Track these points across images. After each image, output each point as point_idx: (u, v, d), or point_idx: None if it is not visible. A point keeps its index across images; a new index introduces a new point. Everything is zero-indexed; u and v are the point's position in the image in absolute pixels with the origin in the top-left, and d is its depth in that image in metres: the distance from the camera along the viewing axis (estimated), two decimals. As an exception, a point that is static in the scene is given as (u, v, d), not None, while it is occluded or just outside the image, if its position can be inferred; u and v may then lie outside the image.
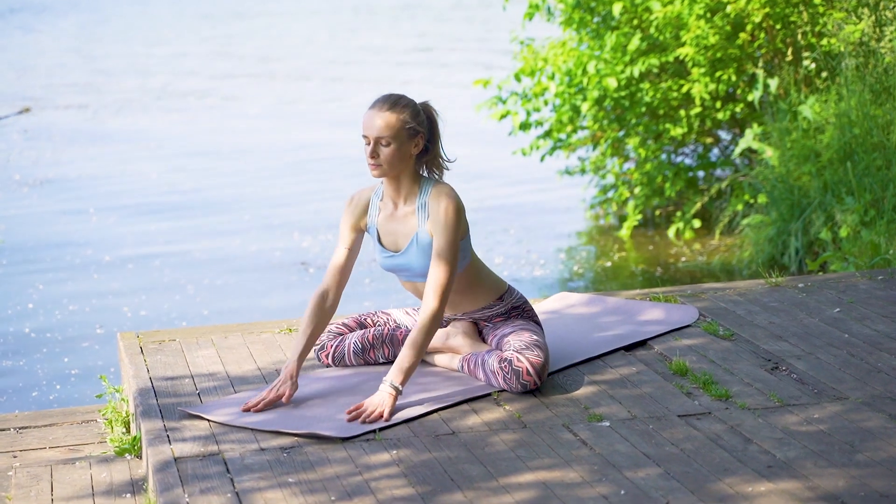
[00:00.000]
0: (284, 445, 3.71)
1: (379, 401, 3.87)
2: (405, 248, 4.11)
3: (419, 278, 4.16)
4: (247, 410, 3.94)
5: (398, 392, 3.90)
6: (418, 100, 4.14)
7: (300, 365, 4.07)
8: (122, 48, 25.57)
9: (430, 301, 3.97)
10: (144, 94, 18.70)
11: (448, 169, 4.19)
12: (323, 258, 9.42)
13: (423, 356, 4.01)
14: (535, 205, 11.26)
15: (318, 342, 4.38)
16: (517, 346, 4.07)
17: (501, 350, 4.14)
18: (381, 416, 3.84)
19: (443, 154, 4.17)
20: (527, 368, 4.01)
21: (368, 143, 4.02)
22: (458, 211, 4.05)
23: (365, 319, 4.45)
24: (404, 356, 3.93)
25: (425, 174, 4.15)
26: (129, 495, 3.87)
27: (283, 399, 3.98)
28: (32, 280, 8.95)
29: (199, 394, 4.19)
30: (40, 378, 7.00)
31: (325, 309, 4.15)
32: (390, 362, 4.37)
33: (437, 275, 3.99)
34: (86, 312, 8.17)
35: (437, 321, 3.98)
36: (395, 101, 4.04)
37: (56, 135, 15.25)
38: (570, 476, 3.46)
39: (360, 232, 4.20)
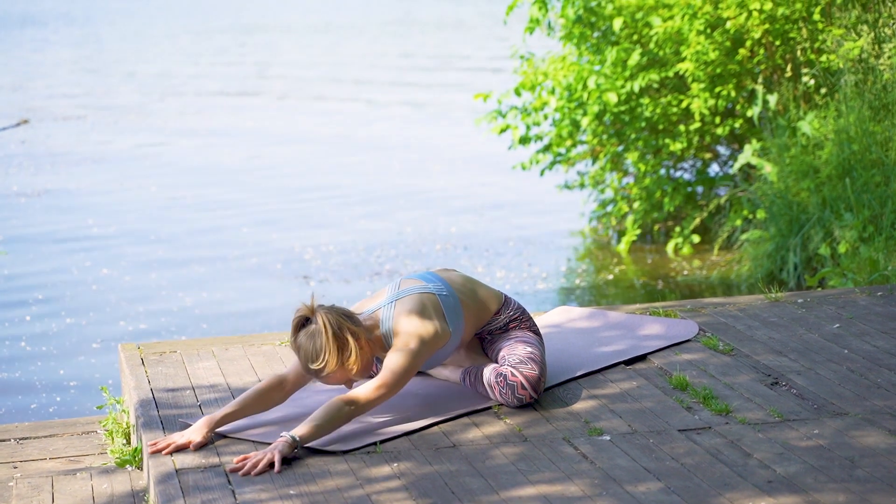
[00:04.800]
0: (285, 457, 3.71)
1: (271, 447, 3.69)
2: None
3: (436, 366, 4.24)
4: (155, 452, 3.79)
5: (296, 444, 3.71)
6: (306, 305, 3.94)
7: (222, 422, 3.88)
8: (121, 60, 25.60)
9: (356, 396, 3.83)
10: (143, 107, 18.72)
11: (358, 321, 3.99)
12: (325, 271, 9.43)
13: (329, 426, 3.78)
14: (535, 219, 11.28)
15: None
16: (512, 361, 4.08)
17: (498, 364, 4.15)
18: (271, 464, 3.63)
19: (354, 320, 3.97)
20: (521, 382, 4.02)
21: None
22: (409, 354, 3.90)
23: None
24: (307, 426, 3.74)
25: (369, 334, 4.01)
26: (129, 507, 3.88)
27: (191, 447, 3.79)
28: (31, 292, 8.95)
29: (200, 405, 4.20)
30: (39, 390, 7.00)
31: (277, 393, 4.00)
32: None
33: (376, 385, 3.86)
34: (83, 326, 8.17)
35: (349, 416, 3.81)
36: (317, 368, 3.89)
37: (54, 146, 15.27)
38: (570, 490, 3.46)
39: None
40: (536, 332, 4.28)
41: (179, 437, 3.84)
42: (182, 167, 13.98)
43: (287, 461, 3.68)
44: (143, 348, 4.83)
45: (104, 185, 12.90)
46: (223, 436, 3.89)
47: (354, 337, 3.92)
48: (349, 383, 3.99)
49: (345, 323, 3.92)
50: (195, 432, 3.85)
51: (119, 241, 10.47)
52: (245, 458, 3.67)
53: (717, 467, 3.58)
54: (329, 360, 3.88)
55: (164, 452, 3.79)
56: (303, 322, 3.94)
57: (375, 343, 4.03)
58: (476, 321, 4.19)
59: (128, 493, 3.97)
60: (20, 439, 4.56)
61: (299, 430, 3.74)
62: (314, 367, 3.89)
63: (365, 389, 3.86)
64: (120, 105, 18.89)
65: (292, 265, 9.64)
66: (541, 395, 4.10)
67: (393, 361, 3.92)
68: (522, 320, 4.28)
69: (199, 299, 8.75)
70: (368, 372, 4.03)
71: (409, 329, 3.97)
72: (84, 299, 8.78)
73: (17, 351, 7.67)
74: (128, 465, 4.16)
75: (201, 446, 3.82)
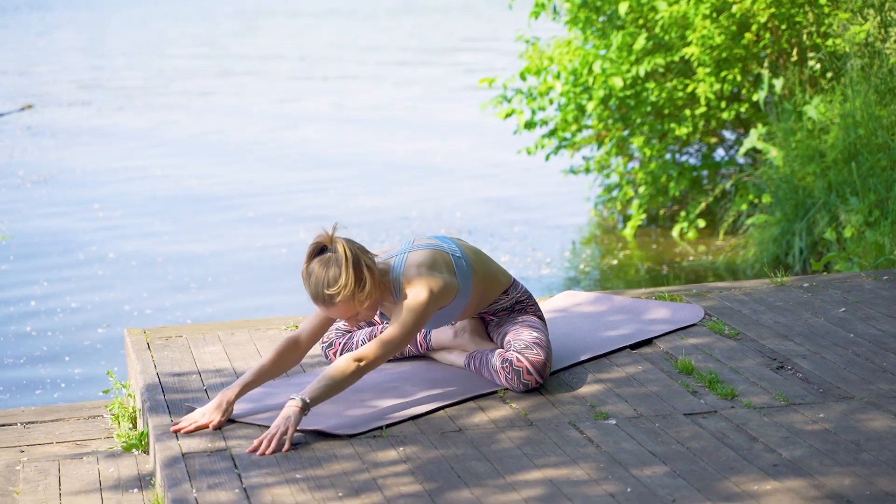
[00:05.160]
0: (292, 441, 3.71)
1: (283, 416, 3.70)
2: None
3: (433, 326, 4.23)
4: (176, 431, 3.81)
5: (306, 406, 3.70)
6: (326, 233, 3.93)
7: (240, 394, 3.89)
8: (125, 46, 25.58)
9: (364, 352, 3.83)
10: (148, 91, 18.71)
11: (381, 268, 3.99)
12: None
13: (339, 385, 3.79)
14: (540, 203, 11.27)
15: (326, 339, 4.39)
16: (517, 346, 4.08)
17: (504, 349, 4.15)
18: (284, 440, 3.66)
19: (371, 256, 3.97)
20: (527, 368, 4.02)
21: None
22: (419, 304, 3.89)
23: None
24: (316, 386, 3.75)
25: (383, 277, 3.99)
26: (136, 490, 3.88)
27: (211, 427, 3.82)
28: (36, 277, 8.96)
29: (206, 390, 4.21)
30: (44, 375, 7.01)
31: (292, 355, 4.01)
32: (397, 360, 4.39)
33: (384, 337, 3.86)
34: (87, 310, 8.18)
35: (358, 372, 3.82)
36: (327, 296, 3.84)
37: (59, 131, 15.27)
38: (576, 474, 3.47)
39: None
40: (541, 318, 4.28)
41: (200, 417, 3.85)
42: (188, 151, 13.98)
43: (294, 445, 3.69)
44: (149, 333, 4.84)
45: (109, 170, 12.91)
46: (231, 420, 3.89)
47: (370, 271, 3.90)
48: (353, 321, 3.96)
49: (363, 255, 3.91)
50: (215, 411, 3.85)
51: (125, 226, 10.48)
52: (260, 442, 3.67)
53: (722, 451, 3.59)
54: (345, 288, 3.83)
55: (183, 432, 3.81)
56: (319, 249, 3.91)
57: (385, 288, 4.00)
58: (484, 291, 4.18)
59: (134, 477, 3.97)
60: (26, 423, 4.57)
61: (309, 392, 3.73)
62: (328, 292, 3.83)
63: (374, 343, 3.85)
64: (125, 89, 18.88)
65: (297, 249, 9.64)
66: (546, 379, 4.10)
67: (402, 312, 3.90)
68: (528, 304, 4.28)
69: (204, 284, 8.76)
70: (374, 313, 3.99)
71: (418, 280, 3.94)
72: (89, 284, 8.79)
73: (23, 336, 7.68)
74: (134, 450, 4.17)
75: (221, 425, 3.84)
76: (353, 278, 3.85)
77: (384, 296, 4.01)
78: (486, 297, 4.20)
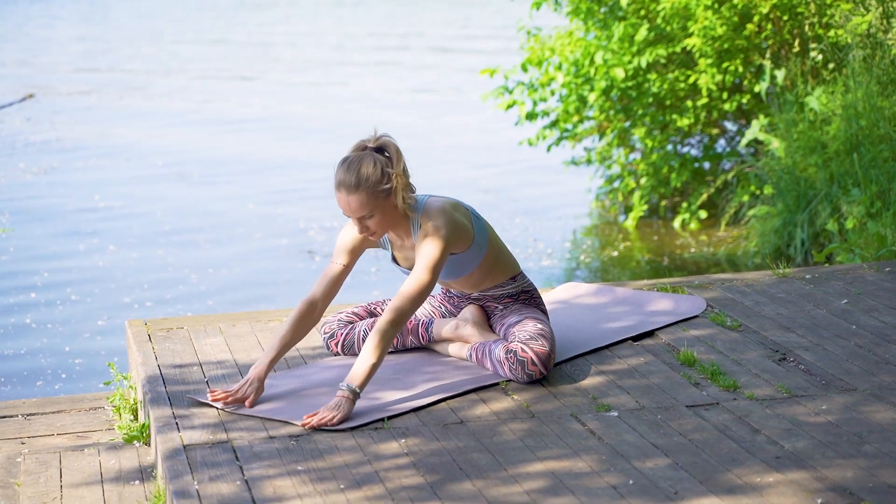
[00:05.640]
0: (293, 433, 3.71)
1: (334, 404, 3.78)
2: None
3: (445, 282, 4.25)
4: (216, 401, 3.89)
5: (356, 395, 3.79)
6: (375, 134, 4.00)
7: (269, 369, 3.97)
8: (125, 35, 25.56)
9: (394, 307, 3.90)
10: (149, 83, 18.69)
11: (413, 191, 4.05)
12: (329, 245, 9.42)
13: (381, 360, 3.86)
14: (541, 194, 11.26)
15: (328, 330, 4.39)
16: (522, 337, 4.08)
17: (508, 340, 4.14)
18: (332, 421, 3.73)
19: (408, 180, 4.03)
20: (531, 358, 4.02)
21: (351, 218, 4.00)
22: (439, 237, 3.95)
23: (374, 309, 4.45)
24: (361, 360, 3.83)
25: (408, 202, 4.02)
26: (137, 482, 3.88)
27: (247, 403, 3.89)
28: (36, 268, 8.95)
29: (207, 381, 4.20)
30: (44, 367, 7.00)
31: (310, 318, 4.07)
32: (398, 351, 4.38)
33: (409, 287, 3.91)
34: (87, 302, 8.17)
35: (395, 327, 3.89)
36: (357, 180, 3.89)
37: (59, 122, 15.25)
38: (578, 466, 3.46)
39: (359, 253, 4.14)
40: (545, 312, 4.29)
41: (238, 389, 3.91)
42: (188, 143, 13.96)
43: (295, 437, 3.68)
44: (151, 324, 4.83)
45: (110, 162, 12.89)
46: (230, 412, 3.89)
47: (401, 181, 3.94)
48: (362, 229, 3.96)
49: (401, 163, 3.96)
50: (249, 387, 3.92)
51: (125, 217, 10.47)
52: (313, 415, 3.74)
53: (725, 443, 3.58)
54: (374, 177, 3.88)
55: (222, 404, 3.88)
56: (363, 146, 3.98)
57: (403, 216, 4.02)
58: (495, 261, 4.20)
59: (136, 469, 3.97)
60: (27, 415, 4.57)
61: (356, 379, 3.80)
62: (360, 174, 3.88)
63: (402, 295, 3.90)
64: (126, 82, 18.86)
65: (297, 239, 9.63)
66: (550, 371, 4.10)
67: (425, 252, 3.94)
68: (534, 296, 4.29)
69: (204, 276, 8.75)
70: (384, 230, 4.02)
71: (438, 214, 3.98)
72: (90, 275, 8.78)
73: (23, 328, 7.67)
74: (135, 441, 4.17)
75: (255, 403, 3.91)
76: (385, 174, 3.92)
77: (400, 222, 4.04)
78: (495, 269, 4.21)
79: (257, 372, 3.95)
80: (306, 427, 3.73)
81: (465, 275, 4.18)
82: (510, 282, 4.26)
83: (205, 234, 9.92)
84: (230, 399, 3.90)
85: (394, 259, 4.22)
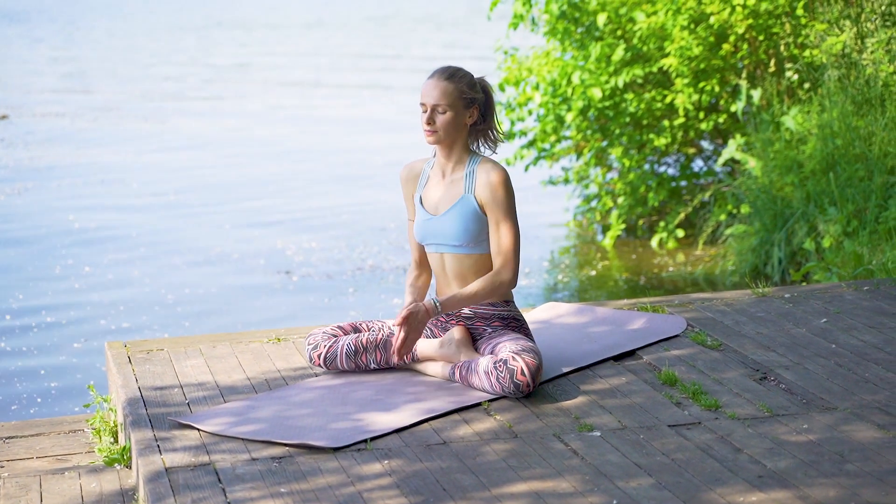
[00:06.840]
0: (276, 455, 3.70)
1: (413, 308, 4.08)
2: (445, 211, 4.25)
3: (448, 248, 4.27)
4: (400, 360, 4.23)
5: (436, 310, 4.12)
6: (476, 74, 4.31)
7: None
8: (99, 56, 25.50)
9: (497, 267, 4.19)
10: (124, 105, 18.64)
11: (503, 141, 4.36)
12: (307, 266, 9.41)
13: (478, 302, 4.17)
14: (519, 213, 11.27)
15: (312, 342, 4.39)
16: (513, 349, 4.10)
17: (496, 354, 4.15)
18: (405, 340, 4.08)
19: (496, 128, 4.33)
20: (521, 368, 4.02)
21: (425, 111, 4.20)
22: (509, 180, 4.22)
23: (360, 325, 4.46)
24: (455, 296, 4.14)
25: (477, 149, 4.31)
26: (118, 506, 3.86)
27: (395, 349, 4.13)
28: (11, 291, 8.89)
29: (188, 403, 4.18)
30: (20, 391, 6.94)
31: (421, 279, 4.41)
32: (381, 368, 4.37)
33: (501, 241, 4.19)
34: (63, 324, 8.12)
35: (503, 287, 4.19)
36: (452, 73, 4.20)
37: (33, 143, 15.19)
38: (561, 486, 3.46)
39: (412, 200, 4.38)
40: (532, 340, 4.30)
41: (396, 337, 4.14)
42: (162, 165, 13.92)
43: (278, 459, 3.67)
44: (130, 346, 4.81)
45: (84, 183, 12.84)
46: (213, 434, 3.87)
47: (471, 118, 4.23)
48: (430, 123, 4.18)
49: (493, 103, 4.28)
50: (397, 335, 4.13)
51: (101, 239, 10.42)
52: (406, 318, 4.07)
53: (707, 462, 3.59)
54: (468, 80, 4.20)
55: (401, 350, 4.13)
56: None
57: (464, 147, 4.27)
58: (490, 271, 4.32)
59: (117, 492, 3.94)
60: (6, 438, 4.53)
61: (446, 299, 4.15)
62: (456, 72, 4.19)
63: (503, 252, 4.18)
64: (101, 103, 18.81)
65: (275, 260, 9.62)
66: (537, 387, 4.10)
67: (498, 200, 4.19)
68: (522, 326, 4.33)
69: (181, 297, 8.71)
70: (446, 137, 4.20)
71: (502, 169, 4.23)
72: (66, 297, 8.73)
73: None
74: (116, 464, 4.14)
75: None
76: (477, 86, 4.22)
77: (458, 148, 4.26)
78: (494, 286, 4.25)
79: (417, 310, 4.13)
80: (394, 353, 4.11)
81: (473, 243, 4.25)
82: (504, 304, 4.28)
83: (181, 255, 9.88)
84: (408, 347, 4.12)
85: (420, 201, 4.33)
